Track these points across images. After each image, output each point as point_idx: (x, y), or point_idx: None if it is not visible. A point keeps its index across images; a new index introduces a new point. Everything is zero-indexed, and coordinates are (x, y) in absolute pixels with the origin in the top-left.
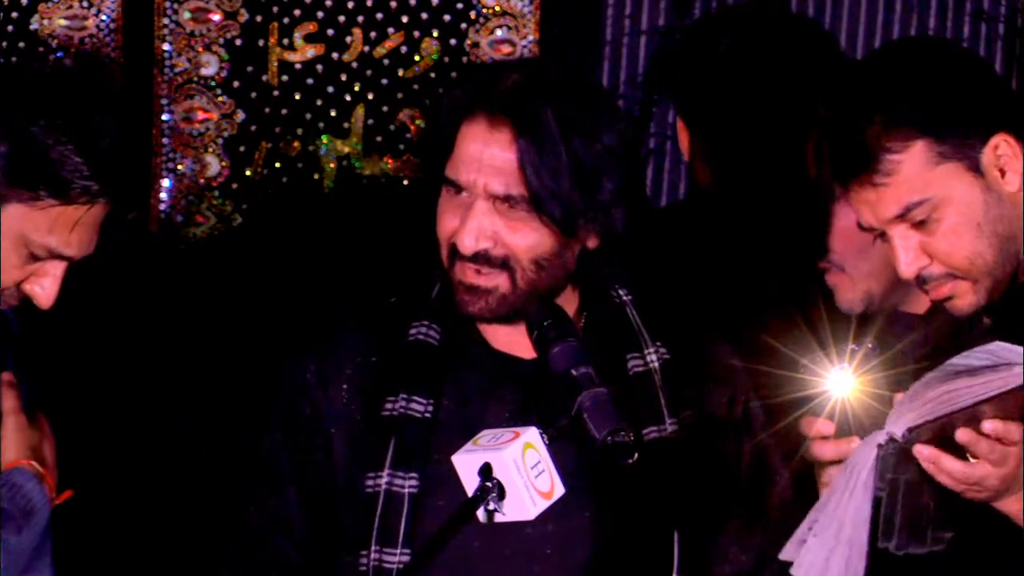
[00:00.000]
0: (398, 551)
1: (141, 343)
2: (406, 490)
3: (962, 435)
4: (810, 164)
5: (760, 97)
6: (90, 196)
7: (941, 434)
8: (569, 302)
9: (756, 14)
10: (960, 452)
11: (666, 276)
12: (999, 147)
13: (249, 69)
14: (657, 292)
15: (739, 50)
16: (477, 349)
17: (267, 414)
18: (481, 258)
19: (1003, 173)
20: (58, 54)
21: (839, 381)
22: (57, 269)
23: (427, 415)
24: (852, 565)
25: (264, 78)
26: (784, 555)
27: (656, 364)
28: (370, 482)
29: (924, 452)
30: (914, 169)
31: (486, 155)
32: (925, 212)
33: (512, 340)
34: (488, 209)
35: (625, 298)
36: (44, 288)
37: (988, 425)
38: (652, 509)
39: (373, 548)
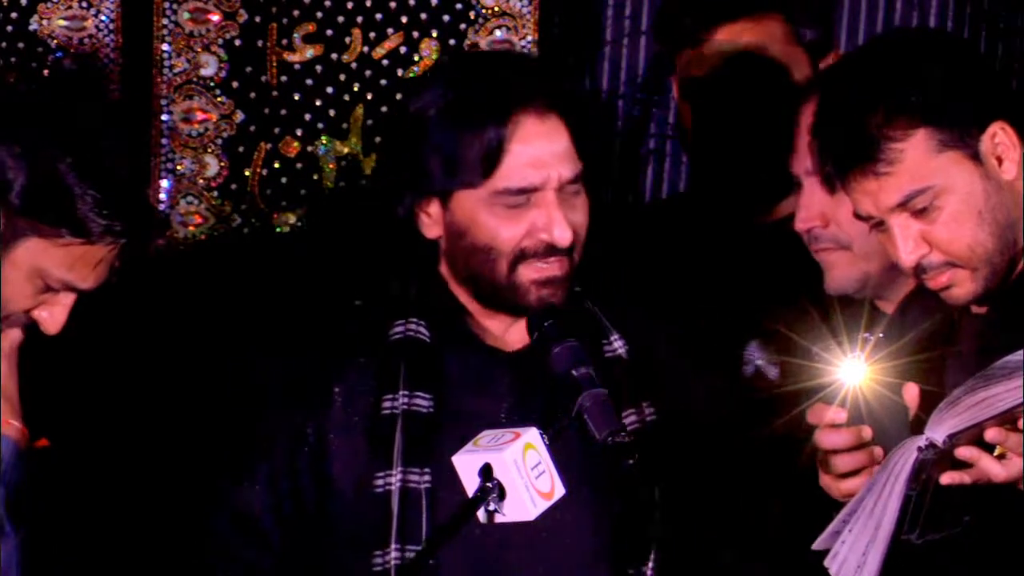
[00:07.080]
0: (422, 548)
1: (139, 344)
2: (422, 486)
3: (991, 434)
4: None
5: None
6: (114, 236)
7: (979, 437)
8: None
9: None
10: (994, 449)
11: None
12: (996, 135)
13: (248, 70)
14: (619, 285)
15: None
16: (466, 344)
17: (256, 426)
18: (561, 249)
19: (1000, 161)
20: (57, 54)
21: (851, 370)
22: (68, 299)
23: (431, 410)
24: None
25: (263, 79)
26: (817, 546)
27: (623, 351)
28: (380, 481)
29: (965, 453)
30: (916, 158)
31: (549, 149)
32: (926, 200)
33: (499, 333)
34: (559, 199)
35: (577, 289)
36: (53, 316)
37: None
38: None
39: (393, 546)
